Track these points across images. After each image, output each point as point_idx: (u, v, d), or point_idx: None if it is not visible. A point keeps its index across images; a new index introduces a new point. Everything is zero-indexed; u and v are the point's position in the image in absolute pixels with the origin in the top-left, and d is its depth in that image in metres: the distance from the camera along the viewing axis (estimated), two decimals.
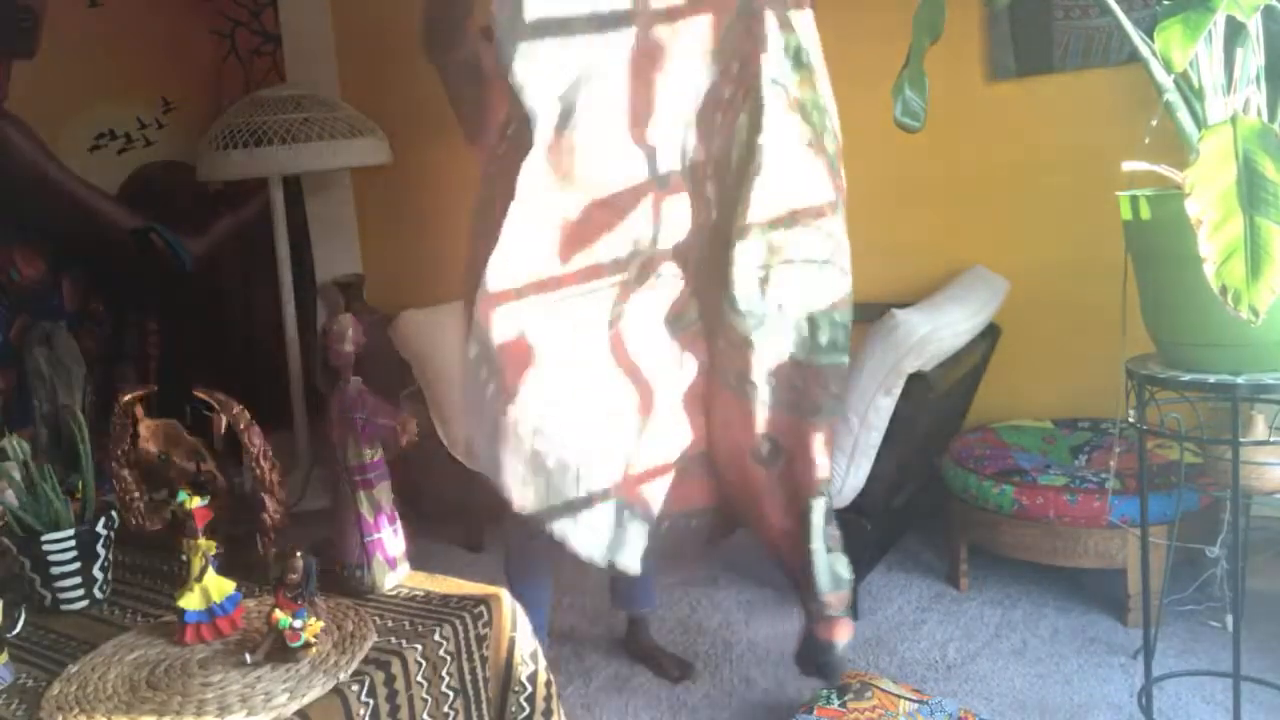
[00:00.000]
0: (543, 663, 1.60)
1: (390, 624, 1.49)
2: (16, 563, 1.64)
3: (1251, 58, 1.68)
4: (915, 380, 2.37)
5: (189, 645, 1.45)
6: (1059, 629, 2.41)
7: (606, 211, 1.75)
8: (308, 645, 1.37)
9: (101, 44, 3.36)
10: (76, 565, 1.64)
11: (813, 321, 1.79)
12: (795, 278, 1.79)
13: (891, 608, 2.57)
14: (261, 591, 1.60)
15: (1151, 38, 1.61)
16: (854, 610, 2.50)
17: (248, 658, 1.37)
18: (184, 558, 1.49)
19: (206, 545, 1.49)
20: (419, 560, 1.73)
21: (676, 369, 1.86)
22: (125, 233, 3.28)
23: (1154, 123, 1.71)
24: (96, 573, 1.67)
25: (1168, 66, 1.57)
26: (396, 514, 1.66)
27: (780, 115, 1.76)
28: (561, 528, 1.73)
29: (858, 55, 3.00)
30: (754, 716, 2.16)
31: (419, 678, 1.41)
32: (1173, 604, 2.29)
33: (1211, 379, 1.69)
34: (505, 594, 1.58)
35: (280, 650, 1.36)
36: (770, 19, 1.76)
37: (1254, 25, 1.65)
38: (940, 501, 2.69)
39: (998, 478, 2.48)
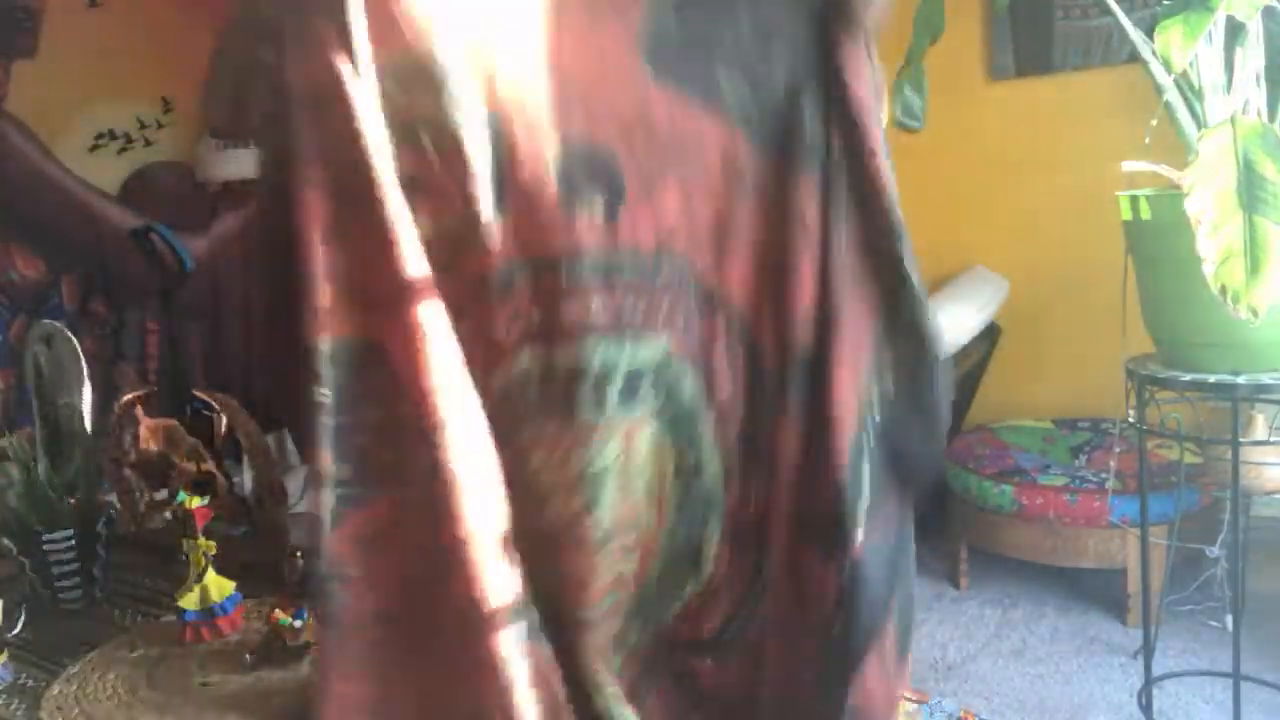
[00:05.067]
0: None
1: None
2: (16, 563, 1.64)
3: (1251, 58, 1.68)
4: None
5: (189, 645, 1.45)
6: (1059, 629, 2.41)
7: None
8: (308, 645, 1.37)
9: (101, 44, 3.36)
10: (76, 565, 1.64)
11: None
12: None
13: None
14: (261, 591, 1.60)
15: (1151, 38, 1.60)
16: None
17: (247, 658, 1.37)
18: (184, 558, 1.49)
19: (206, 545, 1.49)
20: None
21: None
22: (125, 233, 3.28)
23: (1154, 123, 1.71)
24: (96, 573, 1.67)
25: (1168, 66, 1.57)
26: None
27: None
28: None
29: None
30: None
31: None
32: (1173, 604, 2.29)
33: (1211, 379, 1.69)
34: None
35: (280, 650, 1.36)
36: None
37: (1254, 25, 1.65)
38: (940, 501, 2.69)
39: (998, 478, 2.48)
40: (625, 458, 1.07)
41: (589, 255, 1.03)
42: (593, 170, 1.03)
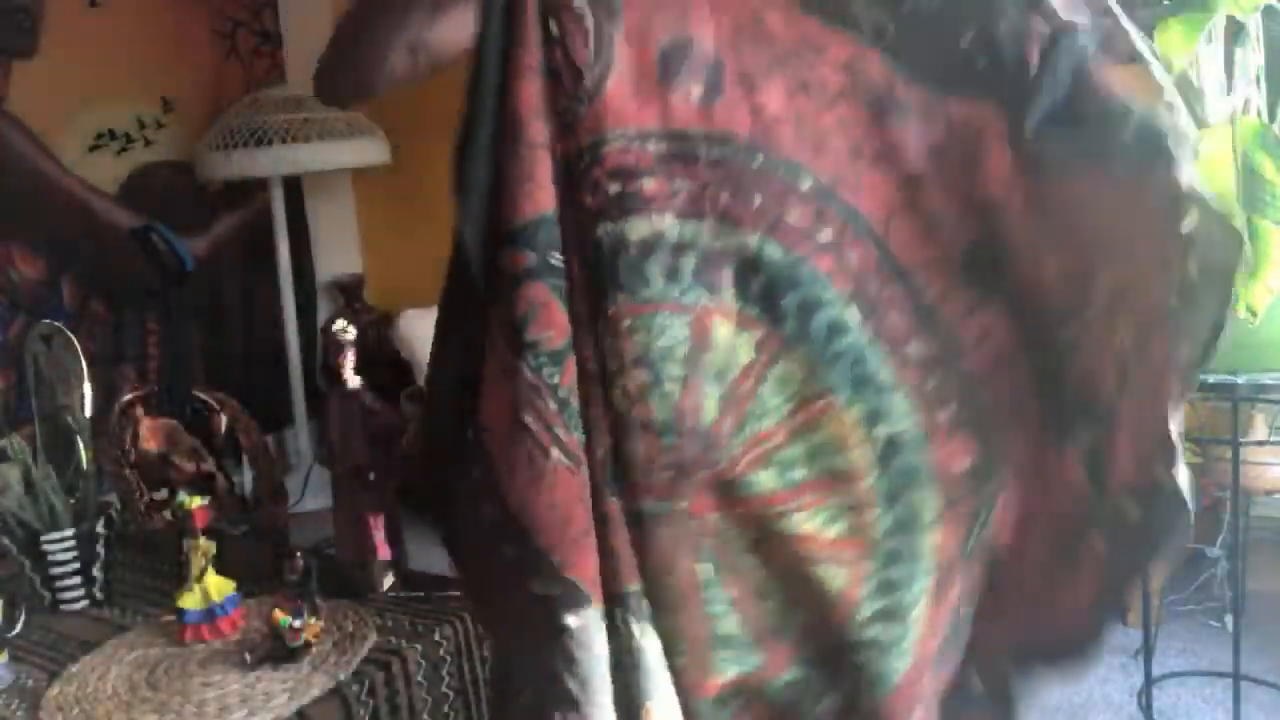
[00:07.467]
0: None
1: (390, 624, 1.49)
2: (16, 563, 1.64)
3: (1251, 58, 1.68)
4: None
5: (189, 645, 1.45)
6: None
7: None
8: (308, 645, 1.37)
9: (101, 44, 3.35)
10: (76, 565, 1.64)
11: None
12: None
13: None
14: (261, 591, 1.60)
15: (1152, 38, 1.60)
16: None
17: (247, 658, 1.38)
18: (184, 558, 1.49)
19: (206, 545, 1.49)
20: (419, 560, 1.73)
21: None
22: (125, 233, 3.27)
23: None
24: (96, 573, 1.67)
25: (1168, 66, 1.57)
26: (397, 514, 1.66)
27: None
28: None
29: None
30: None
31: (419, 678, 1.41)
32: (1173, 604, 2.29)
33: (1211, 379, 1.69)
34: None
35: (280, 650, 1.37)
36: None
37: (1254, 25, 1.65)
38: None
39: None
40: (697, 345, 1.04)
41: (675, 132, 1.04)
42: (693, 62, 1.04)
